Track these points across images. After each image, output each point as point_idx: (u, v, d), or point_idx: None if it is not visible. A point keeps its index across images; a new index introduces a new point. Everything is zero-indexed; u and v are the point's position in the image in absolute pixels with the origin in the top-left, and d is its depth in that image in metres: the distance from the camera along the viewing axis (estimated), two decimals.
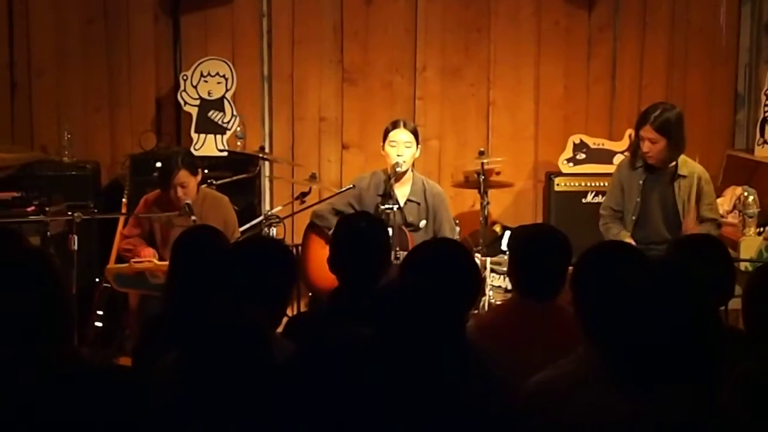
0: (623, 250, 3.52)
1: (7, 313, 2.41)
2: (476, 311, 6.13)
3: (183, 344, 2.88)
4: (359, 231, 4.17)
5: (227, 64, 7.29)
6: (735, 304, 3.89)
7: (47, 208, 6.52)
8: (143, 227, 6.21)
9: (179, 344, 2.93)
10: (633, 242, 5.85)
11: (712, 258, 3.76)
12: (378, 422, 2.65)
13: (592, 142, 7.56)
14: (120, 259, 6.26)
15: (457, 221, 6.73)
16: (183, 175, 5.93)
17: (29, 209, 6.54)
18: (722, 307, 3.97)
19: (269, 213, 6.59)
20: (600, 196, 6.98)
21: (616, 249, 3.58)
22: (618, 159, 7.23)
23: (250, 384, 2.71)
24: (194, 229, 4.57)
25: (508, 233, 7.02)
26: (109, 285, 6.07)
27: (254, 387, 2.71)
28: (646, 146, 5.96)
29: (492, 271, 6.55)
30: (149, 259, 5.91)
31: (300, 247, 6.76)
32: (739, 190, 6.85)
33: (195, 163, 6.08)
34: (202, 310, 2.95)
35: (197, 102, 7.26)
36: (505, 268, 6.47)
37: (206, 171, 6.45)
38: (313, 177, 6.83)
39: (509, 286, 6.20)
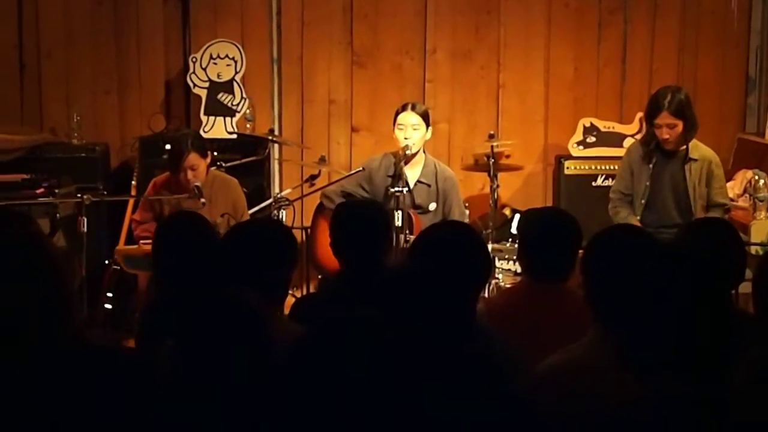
0: (634, 234, 3.50)
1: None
2: (486, 294, 6.12)
3: (178, 331, 2.87)
4: (358, 216, 4.17)
5: (236, 46, 7.28)
6: (745, 287, 3.88)
7: (56, 190, 6.52)
8: (154, 210, 6.22)
9: (174, 331, 2.93)
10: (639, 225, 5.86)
11: (723, 241, 3.74)
12: (384, 405, 2.65)
13: (603, 125, 7.54)
14: (130, 240, 6.27)
15: (467, 204, 6.71)
16: (193, 157, 5.93)
17: (38, 191, 6.55)
18: (733, 291, 3.95)
19: (278, 195, 6.59)
20: (610, 180, 6.96)
21: (626, 232, 3.56)
22: (628, 142, 7.21)
23: (246, 370, 2.70)
24: (173, 217, 4.59)
25: (517, 216, 7.00)
26: (119, 267, 6.09)
27: (251, 373, 2.70)
28: (665, 132, 5.95)
29: (495, 257, 6.53)
30: None
31: (309, 230, 6.78)
32: (749, 173, 6.82)
33: (205, 146, 6.08)
34: (192, 297, 2.93)
35: (206, 84, 7.26)
36: (506, 255, 6.48)
37: (215, 153, 6.44)
38: (322, 159, 6.83)
39: (518, 270, 6.19)
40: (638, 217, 6.07)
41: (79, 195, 5.78)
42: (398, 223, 5.77)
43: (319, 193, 6.65)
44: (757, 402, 2.46)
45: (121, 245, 6.25)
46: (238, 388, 2.67)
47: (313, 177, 6.82)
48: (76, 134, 7.16)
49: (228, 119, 7.23)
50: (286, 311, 4.12)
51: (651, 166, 6.07)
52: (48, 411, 2.33)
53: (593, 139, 7.50)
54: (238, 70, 7.26)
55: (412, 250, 3.66)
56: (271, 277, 3.60)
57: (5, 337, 2.35)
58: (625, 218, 6.05)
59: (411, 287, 2.86)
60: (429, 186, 6.38)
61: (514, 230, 6.86)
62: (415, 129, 6.28)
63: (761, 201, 6.30)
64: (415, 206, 6.31)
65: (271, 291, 3.57)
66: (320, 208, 6.62)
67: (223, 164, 6.68)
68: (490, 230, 6.67)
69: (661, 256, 3.13)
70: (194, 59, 7.25)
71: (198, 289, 3.20)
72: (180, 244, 4.01)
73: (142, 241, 5.93)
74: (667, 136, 5.96)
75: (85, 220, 5.62)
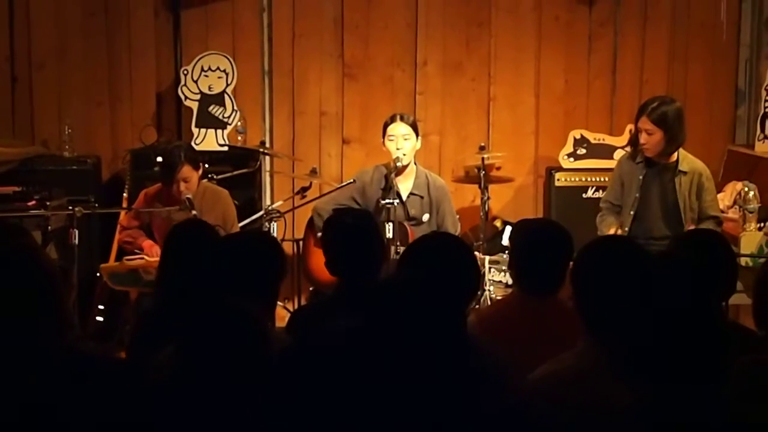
0: (623, 245, 3.52)
1: None
2: (477, 306, 6.13)
3: (178, 338, 2.88)
4: (347, 231, 4.17)
5: (228, 58, 7.30)
6: (736, 299, 3.89)
7: (48, 203, 6.51)
8: (142, 219, 6.25)
9: (173, 338, 2.93)
10: (620, 232, 5.88)
11: (715, 253, 3.75)
12: (375, 416, 2.65)
13: (593, 137, 7.56)
14: (120, 255, 6.28)
15: (458, 216, 6.72)
16: (186, 169, 5.94)
17: (30, 204, 6.53)
18: (724, 303, 3.96)
19: (270, 208, 6.59)
20: (600, 192, 6.98)
21: (616, 244, 3.58)
22: (618, 154, 7.23)
23: (248, 377, 2.71)
24: (185, 224, 4.59)
25: (508, 228, 7.02)
26: None
27: (252, 380, 2.71)
28: (643, 138, 5.97)
29: (491, 268, 6.54)
30: (141, 255, 5.95)
31: (301, 242, 6.78)
32: (739, 185, 6.84)
33: (197, 158, 6.10)
34: (195, 304, 2.94)
35: (198, 97, 7.27)
36: (503, 266, 6.48)
37: (207, 166, 6.45)
38: (313, 172, 6.84)
39: (510, 281, 6.20)
40: (626, 228, 6.07)
41: (70, 207, 5.78)
42: (389, 235, 5.77)
43: (310, 205, 6.65)
44: (748, 409, 2.47)
45: (111, 261, 6.26)
46: (238, 395, 2.68)
47: (304, 189, 6.83)
48: (67, 147, 7.16)
49: (219, 131, 7.24)
50: (281, 324, 4.12)
51: (641, 177, 6.08)
52: (44, 421, 2.33)
53: (584, 151, 7.52)
54: (229, 82, 7.27)
55: (401, 261, 3.66)
56: (259, 289, 3.61)
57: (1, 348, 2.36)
58: (609, 224, 6.06)
59: (402, 296, 2.87)
60: (422, 197, 6.39)
61: (505, 242, 6.87)
62: (406, 139, 6.29)
63: (751, 212, 6.31)
64: (409, 218, 6.32)
65: (260, 303, 3.58)
66: (312, 221, 6.62)
67: (215, 176, 6.69)
68: (480, 242, 6.68)
69: (650, 267, 3.14)
70: (185, 71, 7.26)
71: (200, 297, 3.21)
72: (193, 251, 4.02)
73: (125, 258, 5.97)
74: (643, 142, 5.97)
75: (77, 232, 5.61)
